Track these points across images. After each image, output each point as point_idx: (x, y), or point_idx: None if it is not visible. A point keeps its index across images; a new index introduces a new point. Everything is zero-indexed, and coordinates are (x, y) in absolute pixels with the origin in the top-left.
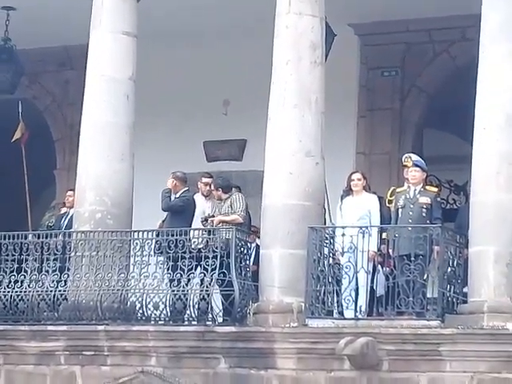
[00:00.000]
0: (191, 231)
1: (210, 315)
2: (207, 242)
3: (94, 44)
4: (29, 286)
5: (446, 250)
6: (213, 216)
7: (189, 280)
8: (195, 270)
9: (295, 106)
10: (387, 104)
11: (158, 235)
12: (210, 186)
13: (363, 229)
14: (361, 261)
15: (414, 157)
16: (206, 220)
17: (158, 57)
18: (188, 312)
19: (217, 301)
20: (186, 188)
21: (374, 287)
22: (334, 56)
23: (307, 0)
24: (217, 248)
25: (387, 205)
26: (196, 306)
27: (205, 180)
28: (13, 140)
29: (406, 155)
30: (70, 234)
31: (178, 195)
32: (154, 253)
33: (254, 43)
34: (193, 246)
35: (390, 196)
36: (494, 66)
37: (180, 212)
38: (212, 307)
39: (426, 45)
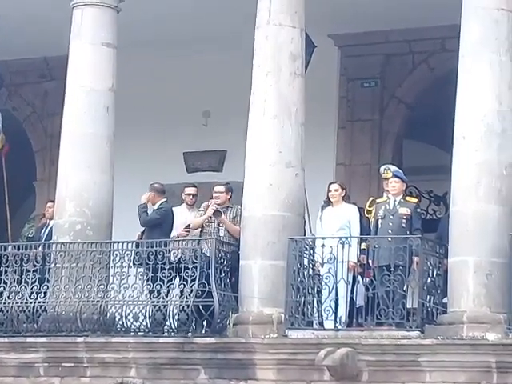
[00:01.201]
0: (170, 242)
1: (191, 326)
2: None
3: (74, 55)
4: (8, 297)
5: (425, 261)
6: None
7: (168, 291)
8: (174, 280)
9: (275, 117)
10: (367, 115)
11: (137, 246)
12: (195, 196)
13: (343, 239)
14: (341, 271)
15: (393, 168)
16: (218, 211)
17: (138, 67)
18: (168, 323)
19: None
20: (164, 199)
21: (354, 298)
22: (314, 67)
23: (287, 11)
24: (196, 259)
25: (366, 215)
26: (176, 317)
27: (188, 190)
28: None
29: (385, 167)
30: (49, 246)
31: (155, 207)
32: (134, 264)
33: (234, 54)
34: (172, 258)
35: (369, 206)
36: (474, 77)
37: (158, 224)
38: (194, 318)
39: (405, 56)
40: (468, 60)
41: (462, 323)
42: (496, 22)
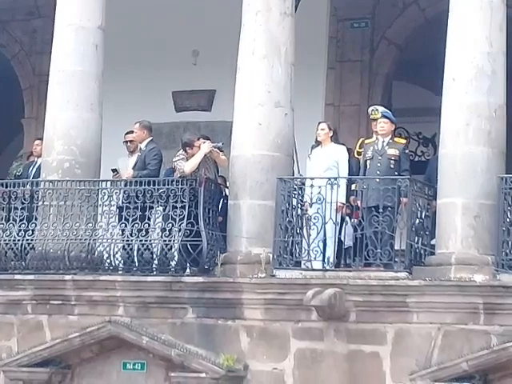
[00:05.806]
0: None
1: (178, 265)
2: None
3: None
4: None
5: (414, 202)
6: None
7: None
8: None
9: (264, 56)
10: (356, 56)
11: (125, 185)
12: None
13: (331, 180)
14: (329, 212)
15: (381, 108)
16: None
17: (127, 6)
18: (155, 262)
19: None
20: (151, 138)
21: (342, 238)
22: (304, 7)
23: None
24: (185, 198)
25: (356, 156)
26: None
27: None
28: None
29: (373, 108)
30: (37, 184)
31: (143, 145)
32: (122, 203)
33: None
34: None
35: (359, 148)
36: (464, 19)
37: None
38: (183, 257)
39: None
40: (459, 1)
41: (450, 265)
42: None
